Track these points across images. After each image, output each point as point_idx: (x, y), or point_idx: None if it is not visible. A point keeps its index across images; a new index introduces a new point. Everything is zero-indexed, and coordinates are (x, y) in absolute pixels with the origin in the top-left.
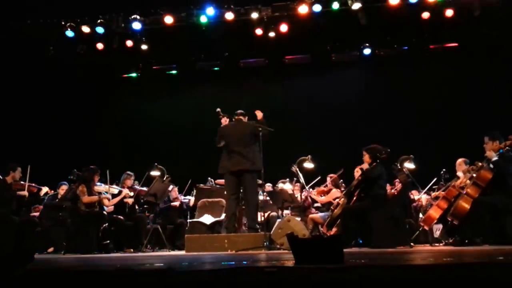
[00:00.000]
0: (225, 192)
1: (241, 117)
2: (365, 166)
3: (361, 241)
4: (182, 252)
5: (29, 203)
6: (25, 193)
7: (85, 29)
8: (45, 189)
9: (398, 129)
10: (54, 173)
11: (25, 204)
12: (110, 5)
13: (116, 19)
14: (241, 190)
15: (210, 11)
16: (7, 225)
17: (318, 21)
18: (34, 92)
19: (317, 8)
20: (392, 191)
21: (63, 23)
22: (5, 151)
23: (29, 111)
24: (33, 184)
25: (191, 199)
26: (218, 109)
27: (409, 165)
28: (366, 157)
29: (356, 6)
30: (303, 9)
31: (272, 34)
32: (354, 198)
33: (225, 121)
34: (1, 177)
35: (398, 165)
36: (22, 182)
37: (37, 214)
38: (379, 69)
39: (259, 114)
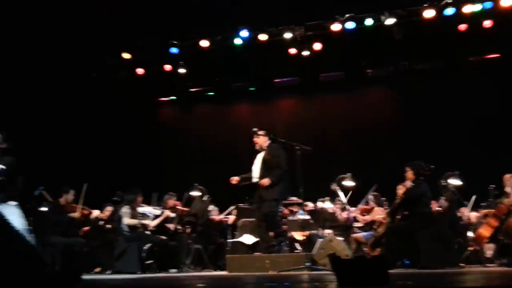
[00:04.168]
0: None
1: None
2: (408, 183)
3: (407, 262)
4: (224, 272)
5: (80, 225)
6: (77, 214)
7: (126, 55)
8: (96, 212)
9: (440, 145)
10: (99, 194)
11: (75, 225)
12: (148, 31)
13: (154, 44)
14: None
15: (244, 33)
16: (58, 246)
17: (352, 38)
18: (79, 118)
19: (350, 25)
20: (438, 208)
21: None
22: (55, 174)
23: (74, 137)
24: (85, 207)
25: (229, 217)
26: (255, 129)
27: (455, 182)
28: (409, 174)
29: (390, 21)
30: (336, 27)
31: (306, 52)
32: (398, 217)
33: (264, 140)
34: (55, 200)
35: (444, 182)
36: (74, 205)
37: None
38: (416, 83)
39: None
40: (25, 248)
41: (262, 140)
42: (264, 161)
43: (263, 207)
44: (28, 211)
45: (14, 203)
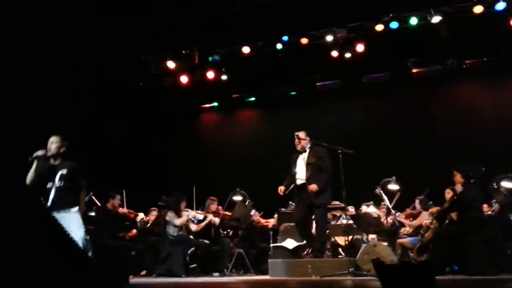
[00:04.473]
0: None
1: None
2: (457, 186)
3: (456, 268)
4: (267, 277)
5: (126, 228)
6: (124, 210)
7: (170, 64)
8: (141, 215)
9: (491, 145)
10: (144, 199)
11: (121, 229)
12: (191, 39)
13: (197, 52)
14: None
15: (285, 37)
16: (105, 249)
17: (396, 38)
18: (128, 123)
19: (394, 25)
20: (490, 212)
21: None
22: (102, 180)
23: (121, 141)
24: (131, 211)
25: (270, 221)
26: (296, 133)
27: (508, 184)
28: (458, 177)
29: (436, 19)
30: (379, 28)
31: (348, 55)
32: (447, 221)
33: (306, 141)
34: (102, 205)
35: (495, 184)
36: (121, 209)
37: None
38: (465, 81)
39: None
40: (76, 251)
41: (303, 141)
42: (310, 163)
43: (316, 214)
44: None
45: (76, 208)
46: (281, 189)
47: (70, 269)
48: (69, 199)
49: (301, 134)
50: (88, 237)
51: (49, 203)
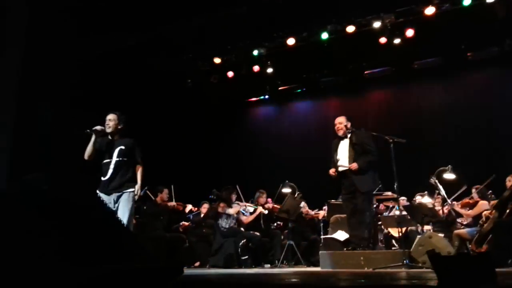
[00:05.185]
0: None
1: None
2: None
3: None
4: (318, 269)
5: (176, 220)
6: (173, 203)
7: (217, 60)
8: (189, 207)
9: None
10: (196, 192)
11: (174, 221)
12: (237, 35)
13: (242, 47)
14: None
15: (331, 27)
16: (161, 241)
17: (448, 20)
18: (177, 120)
19: (446, 7)
20: None
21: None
22: (153, 174)
23: (172, 138)
24: (179, 203)
25: (320, 213)
26: (340, 119)
27: None
28: None
29: None
30: (429, 11)
31: (397, 40)
32: (507, 211)
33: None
34: (153, 198)
35: None
36: (169, 203)
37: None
38: None
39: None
40: (130, 242)
41: (345, 127)
42: (354, 148)
43: (357, 200)
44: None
45: (132, 189)
46: (332, 170)
47: (126, 261)
48: (128, 176)
49: (344, 120)
50: (132, 221)
51: (107, 177)
